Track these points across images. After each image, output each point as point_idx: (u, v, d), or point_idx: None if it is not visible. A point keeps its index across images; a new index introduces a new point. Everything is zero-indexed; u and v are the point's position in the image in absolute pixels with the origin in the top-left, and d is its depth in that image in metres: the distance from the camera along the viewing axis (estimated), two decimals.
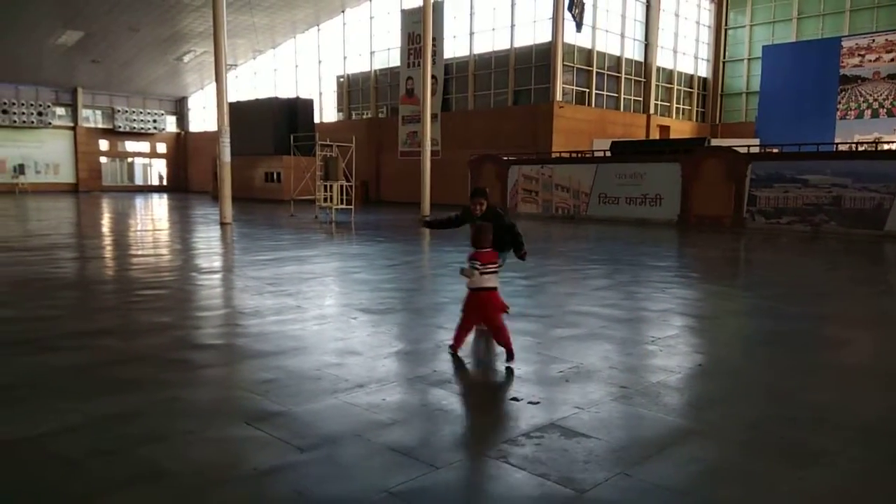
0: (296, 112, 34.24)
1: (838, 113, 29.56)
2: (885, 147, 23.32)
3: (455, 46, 31.44)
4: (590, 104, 30.20)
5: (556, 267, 10.60)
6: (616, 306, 6.98)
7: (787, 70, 30.64)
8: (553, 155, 25.09)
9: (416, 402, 3.86)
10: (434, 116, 25.71)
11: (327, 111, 39.81)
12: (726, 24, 36.15)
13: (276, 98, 35.56)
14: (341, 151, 20.60)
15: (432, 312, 6.56)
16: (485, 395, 3.99)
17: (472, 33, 31.26)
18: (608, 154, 22.10)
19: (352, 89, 38.38)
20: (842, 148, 20.37)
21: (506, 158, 23.90)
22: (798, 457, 3.22)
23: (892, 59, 28.47)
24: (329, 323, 5.94)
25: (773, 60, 31.59)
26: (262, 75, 43.14)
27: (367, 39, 36.49)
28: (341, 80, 38.90)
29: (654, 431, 3.57)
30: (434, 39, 26.68)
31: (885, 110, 28.65)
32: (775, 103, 30.70)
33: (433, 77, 25.67)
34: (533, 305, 7.08)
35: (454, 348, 4.83)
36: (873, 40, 29.08)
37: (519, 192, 23.17)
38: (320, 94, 39.62)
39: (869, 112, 29.02)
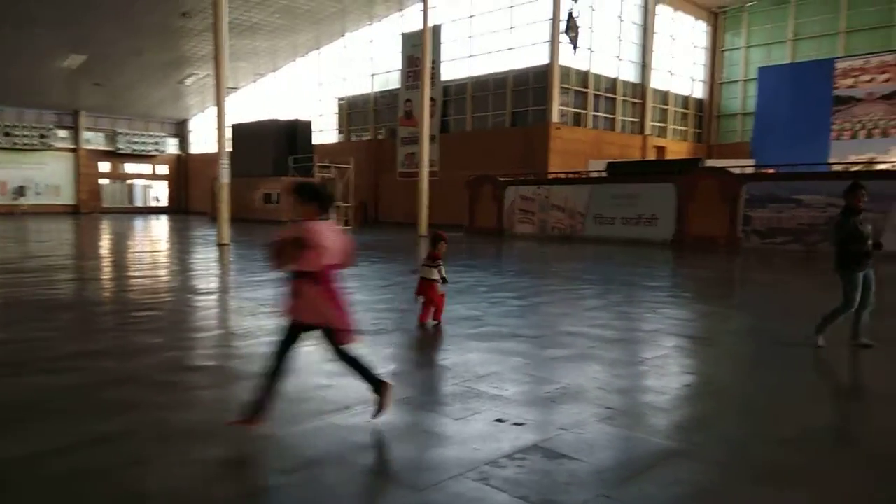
0: (295, 134, 34.47)
1: (833, 133, 29.76)
2: (879, 167, 23.45)
3: (454, 69, 31.79)
4: (586, 125, 30.45)
5: (550, 287, 10.64)
6: (607, 327, 7.01)
7: (783, 91, 30.90)
8: (549, 176, 25.25)
9: (402, 424, 3.88)
10: (432, 138, 25.96)
11: (327, 133, 40.13)
12: (722, 46, 36.57)
13: (276, 120, 35.89)
14: (341, 172, 20.76)
15: (416, 333, 6.59)
16: (470, 416, 4.02)
17: (470, 56, 31.62)
18: (604, 175, 22.26)
19: (352, 111, 38.73)
20: (836, 168, 20.49)
21: (503, 179, 24.06)
22: (782, 478, 3.24)
23: (886, 80, 28.73)
24: (320, 344, 5.95)
25: (769, 82, 31.88)
26: (263, 97, 43.55)
27: (367, 62, 36.92)
28: (341, 101, 39.27)
29: (638, 453, 3.59)
30: (433, 62, 27.01)
31: (879, 131, 28.85)
32: (770, 124, 30.91)
33: (432, 99, 25.96)
34: (525, 326, 7.12)
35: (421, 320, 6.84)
36: (867, 62, 29.36)
37: (516, 213, 23.28)
38: (320, 115, 39.99)
39: (863, 133, 29.22)
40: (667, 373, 5.30)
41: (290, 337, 3.69)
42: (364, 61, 37.22)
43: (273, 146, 33.67)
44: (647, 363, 5.62)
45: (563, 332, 6.73)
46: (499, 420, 3.94)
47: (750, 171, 20.79)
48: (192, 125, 50.64)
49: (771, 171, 21.19)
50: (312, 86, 40.69)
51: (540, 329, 6.98)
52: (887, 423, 4.23)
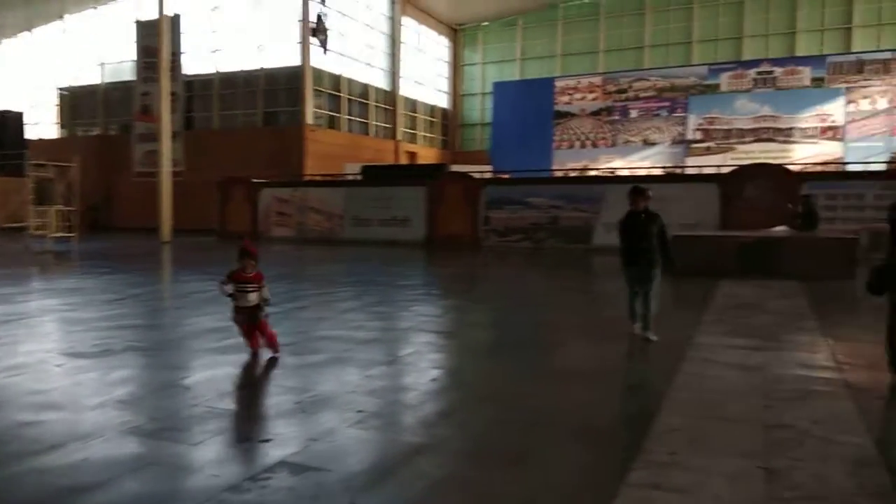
0: (3, 127, 29.45)
1: (554, 143, 33.99)
2: (591, 174, 27.33)
3: (198, 63, 29.67)
4: (340, 129, 30.65)
5: (306, 291, 10.43)
6: (363, 328, 7.05)
7: (514, 104, 34.46)
8: (306, 178, 24.88)
9: (126, 459, 3.40)
10: (175, 135, 23.82)
11: (45, 126, 34.76)
12: (462, 61, 39.49)
13: None
14: (63, 172, 18.09)
15: (158, 351, 5.97)
16: (211, 439, 3.68)
17: (215, 51, 29.81)
18: (360, 178, 22.60)
19: (76, 103, 34.04)
20: (557, 174, 23.35)
21: (257, 181, 23.10)
22: (514, 460, 3.48)
23: (594, 99, 33.64)
24: (24, 374, 5.03)
25: (502, 95, 35.33)
26: None
27: (95, 50, 32.76)
28: (63, 92, 34.32)
29: (386, 453, 3.61)
30: (173, 54, 24.84)
31: (590, 142, 33.66)
32: (505, 133, 34.30)
33: (173, 94, 23.84)
34: (278, 334, 6.83)
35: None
36: (579, 82, 34.09)
37: (272, 216, 22.52)
38: (34, 107, 34.44)
39: (578, 143, 33.85)
40: (416, 369, 5.48)
41: None
42: (90, 48, 32.93)
43: None
44: (399, 361, 5.76)
45: (317, 338, 6.61)
46: (246, 439, 3.68)
47: (488, 176, 22.73)
48: None
49: (506, 176, 23.41)
50: (24, 73, 34.90)
51: (293, 336, 6.74)
52: (593, 400, 4.84)
